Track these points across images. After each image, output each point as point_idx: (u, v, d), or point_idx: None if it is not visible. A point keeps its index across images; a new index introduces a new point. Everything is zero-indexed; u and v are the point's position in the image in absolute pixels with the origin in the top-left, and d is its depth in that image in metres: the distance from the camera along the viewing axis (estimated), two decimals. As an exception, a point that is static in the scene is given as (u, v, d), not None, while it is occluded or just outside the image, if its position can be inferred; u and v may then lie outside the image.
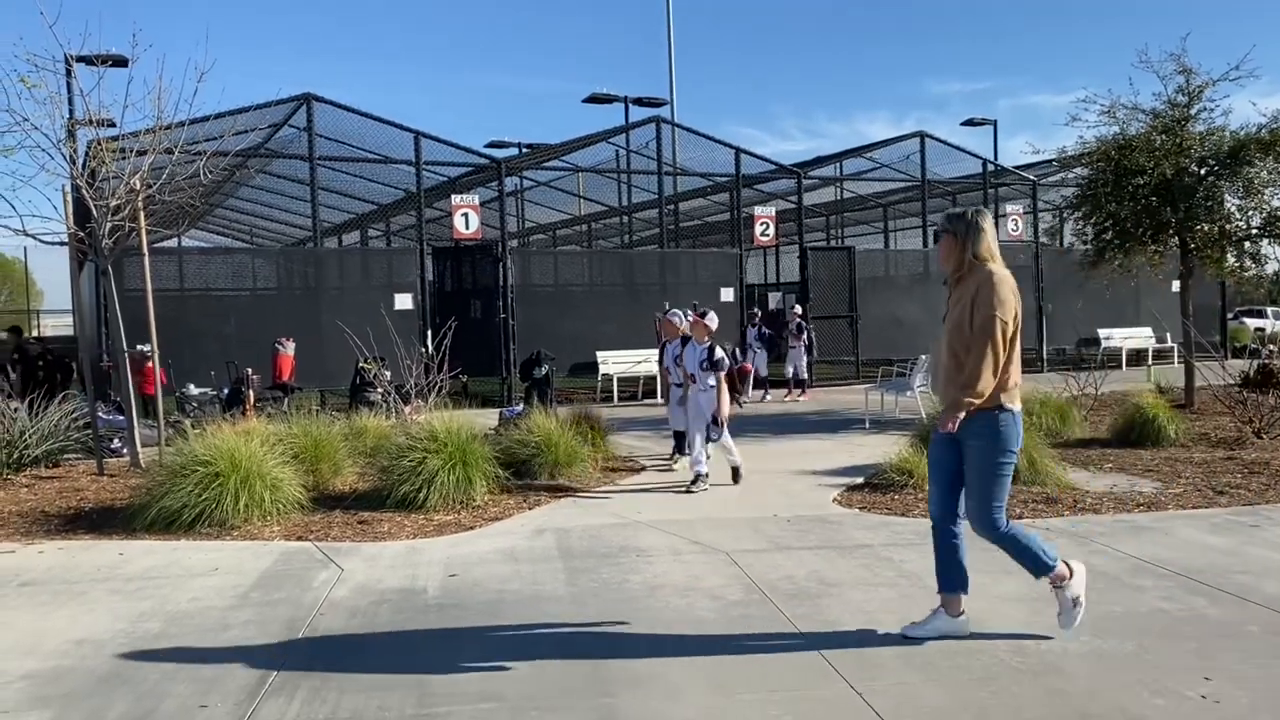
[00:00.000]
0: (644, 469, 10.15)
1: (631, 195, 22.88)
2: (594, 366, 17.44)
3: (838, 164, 22.65)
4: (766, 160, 20.36)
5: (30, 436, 10.24)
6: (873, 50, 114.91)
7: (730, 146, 19.51)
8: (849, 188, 23.96)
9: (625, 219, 24.88)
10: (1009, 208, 22.04)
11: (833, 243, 27.28)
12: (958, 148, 21.81)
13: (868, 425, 12.76)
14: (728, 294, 18.09)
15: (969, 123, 28.05)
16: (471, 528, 7.67)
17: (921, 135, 21.14)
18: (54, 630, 5.33)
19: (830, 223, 27.88)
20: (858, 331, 19.51)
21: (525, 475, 9.30)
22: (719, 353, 9.13)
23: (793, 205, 20.70)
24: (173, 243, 17.74)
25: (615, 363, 17.30)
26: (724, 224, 23.82)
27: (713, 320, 9.40)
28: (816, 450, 11.04)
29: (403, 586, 6.06)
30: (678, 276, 18.94)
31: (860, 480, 9.02)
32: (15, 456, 9.97)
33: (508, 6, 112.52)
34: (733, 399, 9.59)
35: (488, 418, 12.15)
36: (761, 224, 19.38)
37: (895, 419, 13.03)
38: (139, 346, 13.75)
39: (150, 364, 13.88)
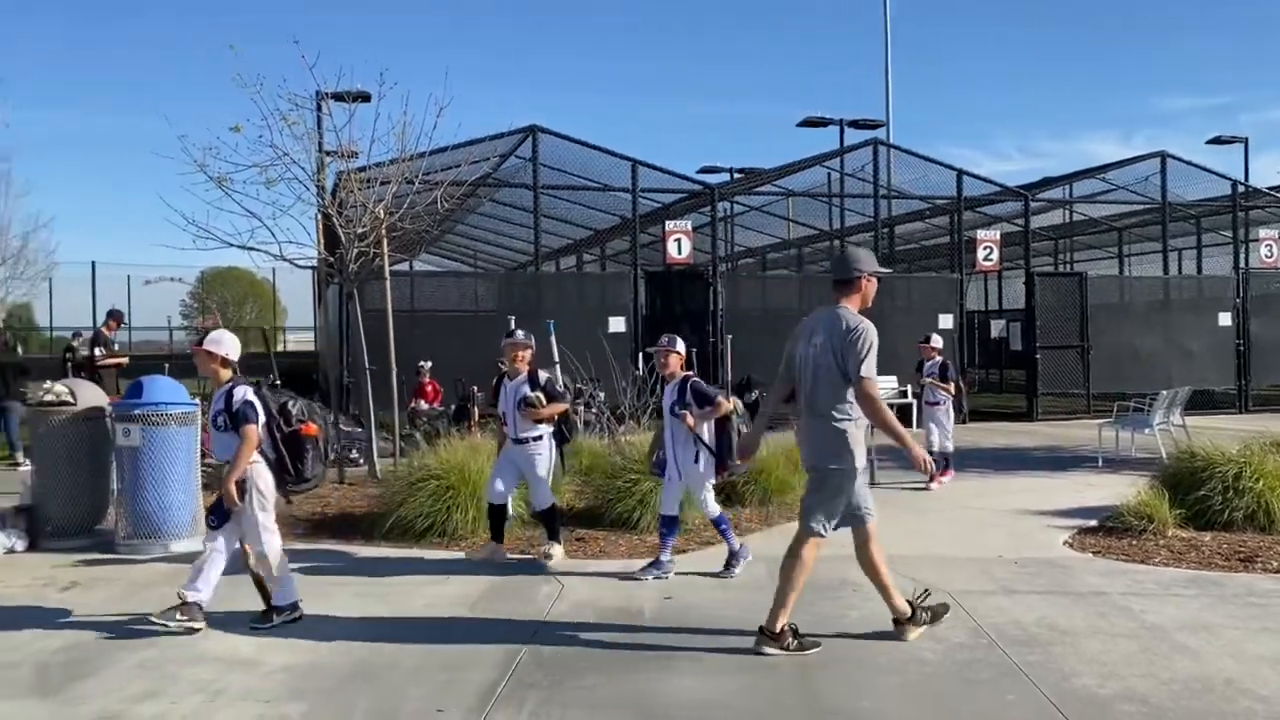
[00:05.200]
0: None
1: (844, 219, 22.55)
2: (803, 392, 17.25)
3: (1067, 185, 21.52)
4: (990, 181, 19.60)
5: (282, 444, 11.10)
6: (1096, 67, 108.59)
7: (951, 168, 18.93)
8: (1080, 210, 22.69)
9: (837, 243, 24.55)
10: (1263, 232, 20.26)
11: (1061, 268, 25.90)
12: (1203, 168, 20.26)
13: (1100, 464, 12.00)
14: (946, 320, 17.48)
15: (1216, 140, 25.99)
16: (684, 551, 7.72)
17: (1163, 155, 19.79)
18: (304, 627, 5.74)
19: (1058, 247, 26.48)
20: (1089, 363, 18.40)
21: (735, 501, 9.29)
22: (241, 396, 5.66)
23: (1017, 228, 19.83)
24: (403, 266, 18.86)
25: (826, 389, 17.04)
26: (941, 248, 23.08)
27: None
28: (1043, 488, 10.47)
29: (620, 605, 6.18)
30: (893, 302, 18.46)
31: (1093, 523, 8.48)
32: (269, 463, 10.83)
33: (721, 35, 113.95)
34: (281, 476, 5.84)
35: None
36: (984, 248, 18.65)
37: (1131, 458, 12.18)
38: (421, 363, 14.70)
39: (426, 379, 14.80)
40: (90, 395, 8.47)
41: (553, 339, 10.63)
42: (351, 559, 7.55)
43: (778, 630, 5.16)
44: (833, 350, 5.06)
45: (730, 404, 7.02)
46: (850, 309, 5.18)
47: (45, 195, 69.51)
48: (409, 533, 7.93)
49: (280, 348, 39.16)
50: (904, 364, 14.74)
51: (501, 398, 7.42)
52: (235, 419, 5.63)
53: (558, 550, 7.41)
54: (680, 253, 17.29)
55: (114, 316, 15.07)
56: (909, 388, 15.51)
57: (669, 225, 17.53)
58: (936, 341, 11.52)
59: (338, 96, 10.99)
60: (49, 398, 8.30)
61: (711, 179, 23.83)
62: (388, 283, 11.36)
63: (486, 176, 16.98)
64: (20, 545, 7.87)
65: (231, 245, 10.79)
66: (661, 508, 7.12)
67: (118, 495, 8.03)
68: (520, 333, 7.58)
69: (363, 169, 11.52)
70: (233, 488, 5.60)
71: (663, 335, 7.31)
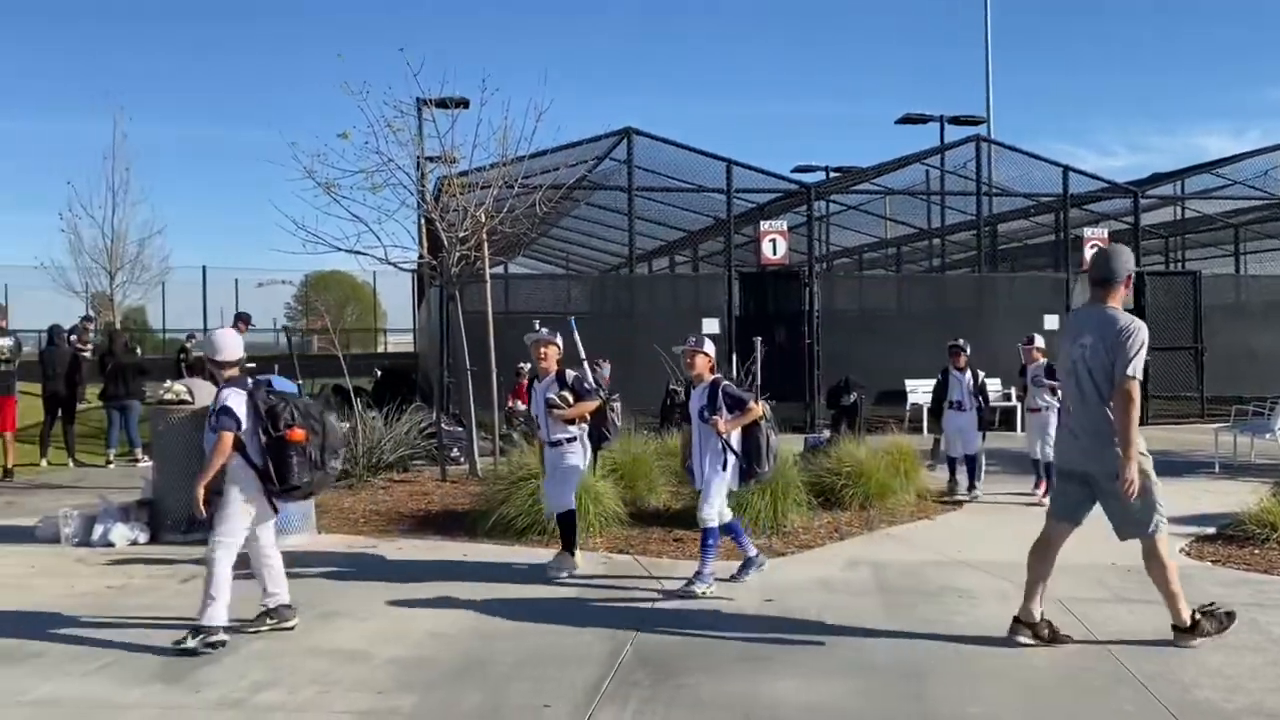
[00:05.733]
0: (960, 505, 9.73)
1: (945, 217, 22.11)
2: (902, 395, 16.97)
3: (1179, 181, 20.72)
4: (1097, 178, 19.00)
5: (385, 444, 11.40)
6: (1203, 57, 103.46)
7: (1057, 164, 18.41)
8: (1193, 207, 21.81)
9: (935, 242, 24.09)
10: (1393, 226, 19.21)
11: (1173, 266, 24.95)
12: (1329, 160, 19.29)
13: (1217, 469, 11.53)
14: (1052, 321, 16.93)
15: (1340, 130, 24.73)
16: (783, 554, 7.68)
17: (1284, 146, 18.92)
18: (413, 621, 5.89)
19: (1169, 245, 25.51)
20: (1202, 365, 17.69)
21: (834, 505, 9.19)
22: (221, 400, 5.49)
23: (1126, 226, 19.17)
24: (499, 269, 19.12)
25: (925, 392, 16.71)
26: (1045, 246, 22.46)
27: None
28: (1155, 494, 10.07)
29: (721, 606, 6.17)
30: (995, 301, 18.04)
31: (1211, 530, 8.16)
32: (373, 461, 11.13)
33: (815, 33, 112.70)
34: (273, 487, 5.56)
35: (788, 442, 12.08)
36: (1091, 246, 18.07)
37: (1251, 464, 11.67)
38: (521, 365, 14.86)
39: (525, 380, 14.99)
40: (208, 394, 8.77)
41: (576, 336, 10.54)
42: (456, 555, 7.69)
43: (1190, 623, 5.30)
44: (1105, 349, 5.14)
45: (761, 408, 6.62)
46: (1117, 307, 5.28)
47: (159, 202, 72.52)
48: (510, 530, 8.04)
49: (380, 349, 40.19)
50: (1004, 366, 14.41)
51: (533, 401, 7.13)
52: (218, 418, 5.47)
53: (570, 563, 6.95)
54: (775, 253, 17.17)
55: (242, 319, 15.59)
56: (1012, 391, 15.13)
57: (764, 225, 17.41)
58: (1040, 342, 10.48)
59: (440, 104, 11.21)
60: (168, 396, 8.66)
61: (807, 178, 23.64)
62: (488, 285, 11.54)
63: (582, 179, 17.12)
64: (143, 537, 8.23)
65: (339, 249, 11.08)
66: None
67: (233, 490, 8.31)
68: (544, 330, 7.26)
69: (464, 174, 11.73)
70: (200, 493, 5.39)
71: (689, 335, 6.83)
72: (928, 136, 26.56)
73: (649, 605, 6.21)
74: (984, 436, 10.31)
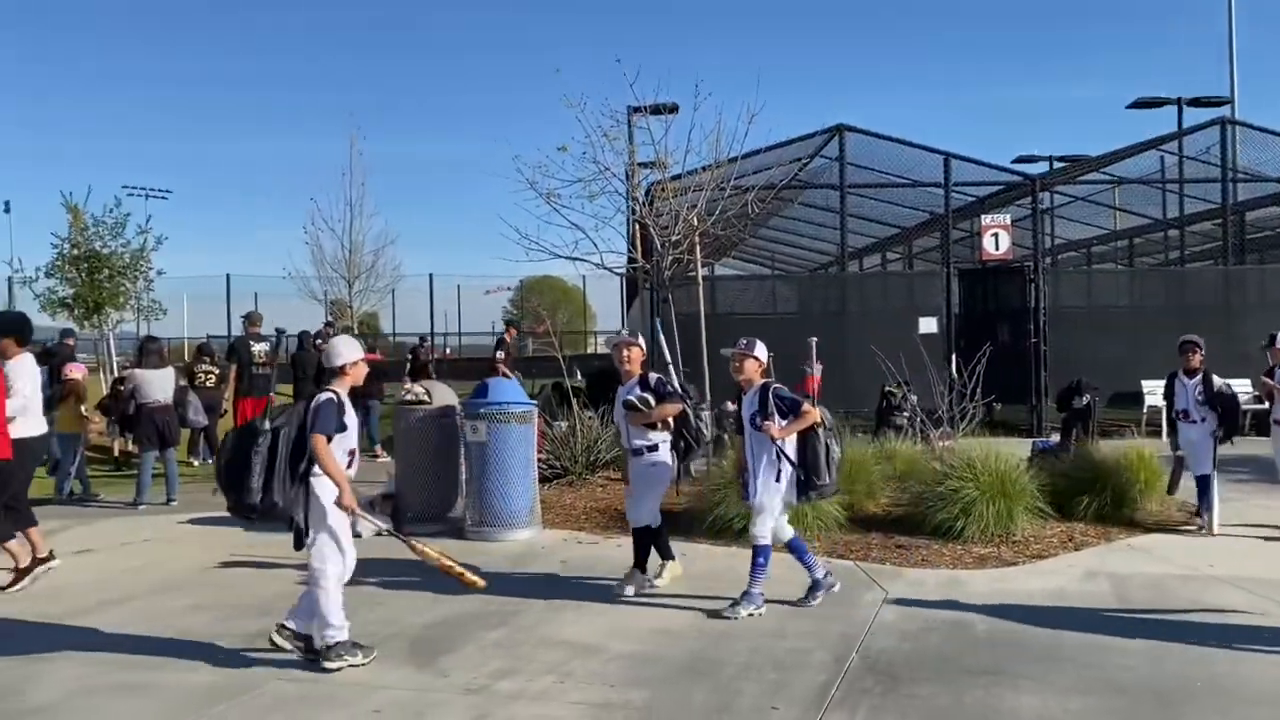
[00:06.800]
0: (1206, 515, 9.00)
1: (1184, 206, 20.53)
2: (1138, 397, 15.87)
3: None
4: (1366, 158, 17.17)
5: (601, 443, 11.70)
6: None
7: (1320, 145, 16.78)
8: None
9: (1172, 233, 22.39)
10: None
11: None
12: None
13: None
14: (1313, 317, 15.46)
15: None
16: (1013, 563, 7.38)
17: None
18: (637, 617, 6.04)
19: None
20: None
21: (1067, 513, 8.72)
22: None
23: (1402, 210, 17.22)
24: (704, 270, 19.21)
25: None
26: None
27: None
28: None
29: (949, 616, 5.99)
30: (1244, 297, 16.60)
31: None
32: (591, 460, 11.45)
33: (1037, 18, 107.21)
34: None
35: (1014, 447, 11.54)
36: (1359, 234, 16.34)
37: None
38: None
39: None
40: (443, 395, 9.33)
41: (662, 339, 10.24)
42: (674, 554, 7.78)
43: None
44: None
45: (818, 413, 6.08)
46: None
47: (391, 215, 77.60)
48: (726, 531, 8.07)
49: (589, 350, 41.40)
50: (1256, 366, 13.22)
51: (616, 407, 6.74)
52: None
53: (668, 571, 6.75)
54: (998, 248, 16.45)
55: (514, 325, 16.45)
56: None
57: (985, 219, 16.73)
58: None
59: (654, 110, 11.42)
60: (409, 397, 9.23)
61: (1028, 168, 22.52)
62: (699, 287, 11.65)
63: (793, 178, 16.99)
64: (386, 529, 8.79)
65: (559, 256, 11.47)
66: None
67: (466, 486, 8.79)
68: (625, 332, 6.88)
69: (676, 178, 11.89)
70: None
71: (740, 338, 6.32)
72: (1161, 121, 24.70)
73: (874, 613, 6.10)
74: (1215, 455, 8.59)
